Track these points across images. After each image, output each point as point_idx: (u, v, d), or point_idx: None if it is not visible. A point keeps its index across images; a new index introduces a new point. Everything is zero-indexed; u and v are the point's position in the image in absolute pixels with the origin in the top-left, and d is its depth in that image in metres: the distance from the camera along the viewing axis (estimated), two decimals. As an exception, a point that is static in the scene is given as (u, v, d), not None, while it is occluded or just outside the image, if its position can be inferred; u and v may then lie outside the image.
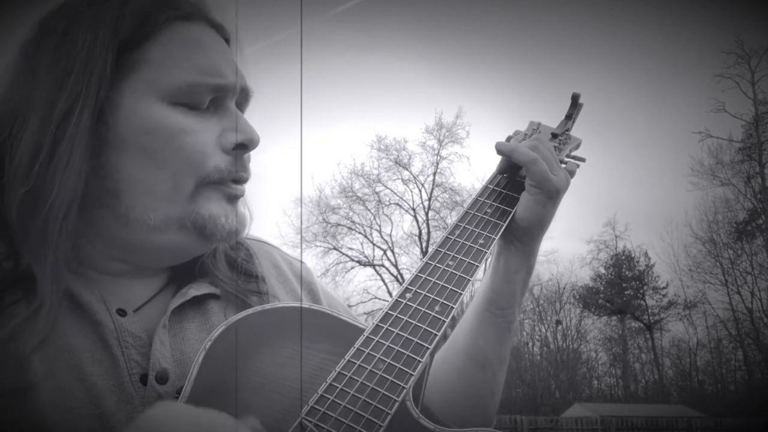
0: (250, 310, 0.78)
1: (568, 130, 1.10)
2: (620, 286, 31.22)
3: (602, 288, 31.84)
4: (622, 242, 32.24)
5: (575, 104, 1.11)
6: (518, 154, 0.91)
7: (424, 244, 26.08)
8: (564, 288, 32.67)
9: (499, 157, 0.98)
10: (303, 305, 0.81)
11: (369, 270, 26.23)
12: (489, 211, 0.91)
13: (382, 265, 26.10)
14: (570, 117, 1.11)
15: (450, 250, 0.85)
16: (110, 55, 0.77)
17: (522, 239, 0.94)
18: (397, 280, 25.72)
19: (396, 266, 26.10)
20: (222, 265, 0.90)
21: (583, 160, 1.06)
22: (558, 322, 32.87)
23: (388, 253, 26.27)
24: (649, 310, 31.02)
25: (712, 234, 29.39)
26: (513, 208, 0.92)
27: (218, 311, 0.86)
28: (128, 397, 0.74)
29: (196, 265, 0.89)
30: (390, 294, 25.31)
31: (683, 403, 26.92)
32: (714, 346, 31.05)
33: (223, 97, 0.84)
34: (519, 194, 0.93)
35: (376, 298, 25.42)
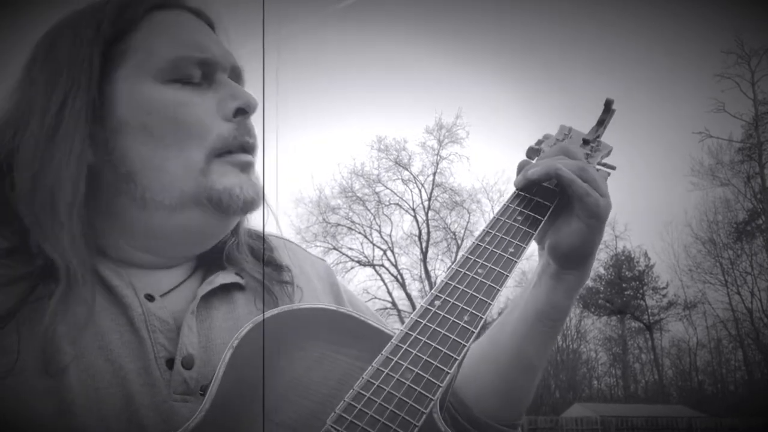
0: (276, 310, 0.77)
1: (599, 136, 1.07)
2: (620, 286, 31.23)
3: (602, 288, 31.86)
4: (622, 242, 32.28)
5: (608, 110, 1.07)
6: (577, 187, 0.88)
7: (423, 244, 26.10)
8: (564, 288, 32.58)
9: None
10: (329, 307, 0.80)
11: (369, 270, 26.25)
12: (519, 218, 0.89)
13: (382, 265, 26.12)
14: (602, 123, 1.08)
15: (480, 257, 0.83)
16: (96, 49, 0.82)
17: (580, 263, 0.93)
18: (397, 280, 25.75)
19: (396, 266, 26.12)
20: (247, 254, 0.92)
21: (613, 168, 1.03)
22: (558, 322, 32.83)
23: (388, 253, 26.29)
24: (649, 310, 31.05)
25: (712, 234, 29.43)
26: (544, 216, 0.90)
27: (244, 302, 0.87)
28: (153, 380, 0.76)
29: (223, 254, 0.90)
30: (390, 294, 25.37)
31: (683, 403, 26.93)
32: (714, 346, 31.10)
33: (213, 71, 0.86)
34: (550, 201, 0.91)
35: (376, 298, 25.43)
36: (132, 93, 0.82)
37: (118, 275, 0.81)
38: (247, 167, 0.85)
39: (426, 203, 26.52)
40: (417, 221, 26.52)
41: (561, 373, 31.69)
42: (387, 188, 26.69)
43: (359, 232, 26.22)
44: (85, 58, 0.81)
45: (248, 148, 0.86)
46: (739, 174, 28.68)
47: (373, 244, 26.22)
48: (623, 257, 31.79)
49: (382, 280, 26.03)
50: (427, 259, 26.03)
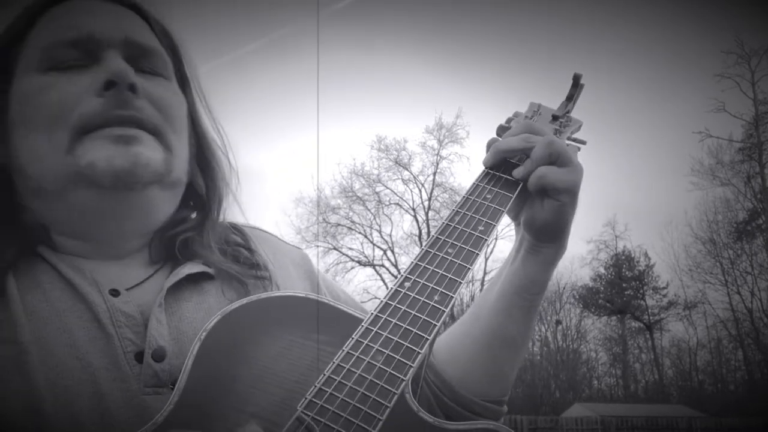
0: (243, 300, 0.76)
1: (569, 111, 1.08)
2: (620, 286, 31.24)
3: (602, 288, 31.88)
4: (622, 242, 32.31)
5: (576, 84, 1.08)
6: (552, 180, 0.89)
7: (424, 244, 26.09)
8: (564, 288, 32.70)
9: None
10: (296, 294, 0.79)
11: (369, 270, 26.27)
12: (489, 196, 0.88)
13: (382, 265, 26.13)
14: (571, 98, 1.08)
15: (449, 237, 0.82)
16: None
17: (556, 237, 0.94)
18: (397, 280, 25.70)
19: (396, 266, 26.11)
20: (213, 248, 0.90)
21: (584, 142, 1.04)
22: (558, 322, 32.90)
23: (388, 253, 26.31)
24: (649, 310, 31.06)
25: (712, 234, 29.45)
26: (513, 193, 0.89)
27: (215, 292, 0.86)
28: (123, 376, 0.75)
29: (189, 249, 0.89)
30: (390, 294, 25.33)
31: (683, 403, 26.93)
32: (714, 346, 31.11)
33: (96, 49, 0.84)
34: (517, 175, 0.91)
35: (376, 298, 25.40)
36: (17, 90, 0.84)
37: (80, 272, 0.81)
38: (123, 140, 0.80)
39: (426, 203, 26.56)
40: (417, 221, 26.57)
41: (561, 373, 31.68)
42: (387, 188, 26.75)
43: (359, 232, 26.27)
44: None
45: (123, 120, 0.81)
46: (740, 174, 28.72)
47: (373, 244, 26.26)
48: (623, 257, 31.81)
49: (382, 280, 26.05)
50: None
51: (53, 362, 0.73)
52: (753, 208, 28.30)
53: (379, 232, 26.35)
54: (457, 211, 0.86)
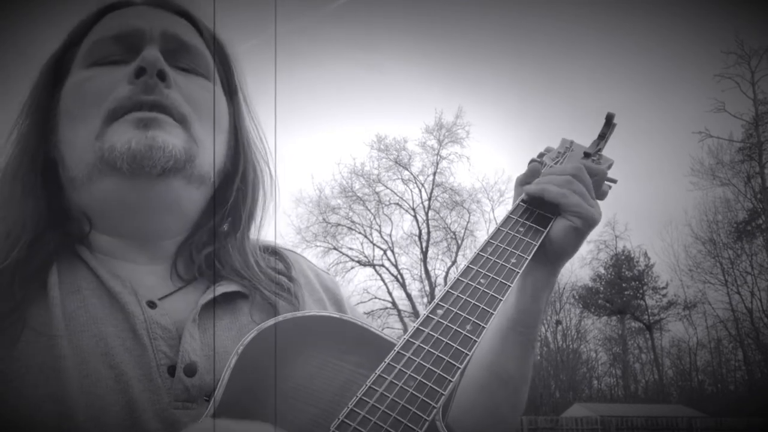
0: (280, 317, 0.77)
1: (600, 149, 1.08)
2: (620, 286, 31.22)
3: (602, 288, 31.85)
4: (622, 242, 32.32)
5: (609, 124, 1.09)
6: (549, 195, 0.92)
7: (423, 244, 26.10)
8: (564, 288, 32.67)
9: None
10: (332, 315, 0.80)
11: (369, 270, 26.23)
12: (521, 230, 0.90)
13: (382, 265, 26.11)
14: (603, 137, 1.09)
15: (482, 267, 0.83)
16: (46, 69, 0.90)
17: (552, 260, 0.94)
18: (397, 280, 25.74)
19: (396, 266, 26.11)
20: (255, 270, 0.91)
21: (615, 181, 1.04)
22: (558, 322, 32.88)
23: (388, 253, 26.28)
24: (649, 310, 31.04)
25: (712, 234, 29.43)
26: (546, 228, 0.91)
27: (246, 311, 0.86)
28: (155, 387, 0.75)
29: (226, 267, 0.89)
30: (390, 294, 25.36)
31: (683, 403, 26.92)
32: (714, 346, 31.10)
33: (138, 45, 0.86)
34: (552, 214, 0.92)
35: (376, 298, 25.42)
36: (67, 85, 0.87)
37: (120, 280, 0.81)
38: (143, 123, 0.81)
39: (426, 203, 26.53)
40: (417, 221, 26.55)
41: (561, 373, 31.67)
42: (387, 188, 26.71)
43: (359, 232, 26.24)
44: (40, 82, 0.90)
45: (145, 105, 0.82)
46: (740, 174, 28.70)
47: (373, 244, 26.23)
48: (623, 257, 31.79)
49: (382, 280, 26.04)
50: (427, 259, 26.03)
51: (87, 370, 0.73)
52: (753, 208, 28.29)
53: (379, 232, 26.35)
54: (490, 242, 0.88)
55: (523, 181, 1.01)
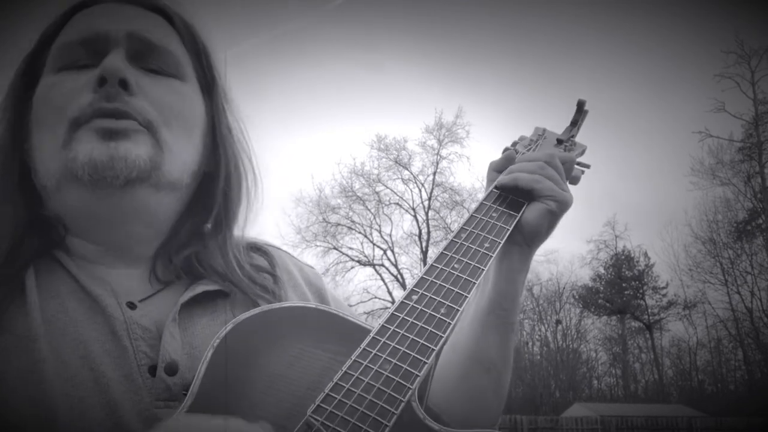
0: (256, 310, 0.78)
1: (573, 136, 1.10)
2: (620, 286, 31.23)
3: (602, 288, 31.86)
4: (622, 242, 32.33)
5: (580, 111, 1.11)
6: (522, 182, 0.94)
7: (423, 244, 26.09)
8: (564, 288, 32.71)
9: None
10: (307, 305, 0.81)
11: (369, 270, 26.25)
12: (495, 215, 0.91)
13: (382, 265, 26.11)
14: (575, 123, 1.11)
15: (456, 253, 0.85)
16: (18, 73, 0.89)
17: (528, 242, 0.95)
18: (397, 280, 25.72)
19: (396, 266, 26.11)
20: (234, 267, 0.90)
21: (587, 166, 1.07)
22: (558, 322, 32.90)
23: (388, 252, 26.29)
24: (649, 310, 31.06)
25: (712, 234, 29.45)
26: (519, 213, 0.92)
27: (228, 309, 0.86)
28: (136, 388, 0.75)
29: (204, 265, 0.89)
30: (390, 293, 25.34)
31: (683, 403, 26.92)
32: (714, 346, 31.11)
33: (105, 48, 0.84)
34: (525, 199, 0.94)
35: (376, 297, 25.44)
36: (37, 91, 0.86)
37: (100, 283, 0.81)
38: (106, 133, 0.79)
39: (426, 203, 26.54)
40: (417, 221, 26.56)
41: (561, 373, 31.68)
42: (387, 188, 26.73)
43: (359, 232, 26.24)
44: (13, 85, 0.89)
45: (109, 113, 0.80)
46: (740, 173, 28.72)
47: (373, 244, 26.24)
48: (623, 257, 31.80)
49: (382, 279, 26.05)
50: (427, 259, 25.99)
51: (68, 373, 0.73)
52: (753, 208, 28.30)
53: (379, 231, 26.36)
54: (464, 228, 0.89)
55: (497, 167, 1.02)
